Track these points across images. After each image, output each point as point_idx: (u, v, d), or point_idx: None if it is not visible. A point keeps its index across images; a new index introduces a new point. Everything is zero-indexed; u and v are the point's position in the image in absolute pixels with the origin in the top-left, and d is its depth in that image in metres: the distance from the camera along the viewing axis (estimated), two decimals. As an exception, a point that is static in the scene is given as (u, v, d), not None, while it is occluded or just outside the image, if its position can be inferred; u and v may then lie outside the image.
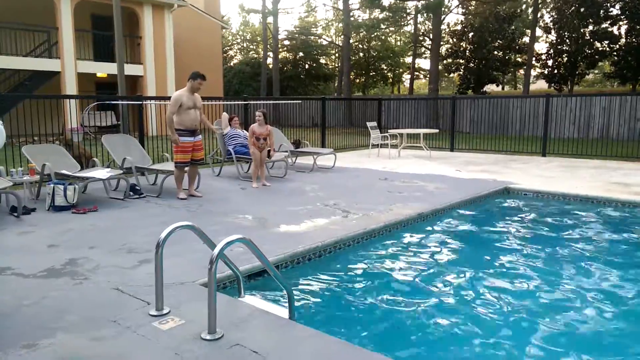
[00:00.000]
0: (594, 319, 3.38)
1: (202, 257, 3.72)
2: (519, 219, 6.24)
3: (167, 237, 2.87)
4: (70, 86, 17.59)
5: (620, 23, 26.05)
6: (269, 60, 32.77)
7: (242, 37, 47.77)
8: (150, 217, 5.56)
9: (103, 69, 18.79)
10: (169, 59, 20.79)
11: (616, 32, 26.43)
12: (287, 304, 3.03)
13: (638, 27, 24.58)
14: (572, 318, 3.39)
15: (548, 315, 3.44)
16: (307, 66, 39.16)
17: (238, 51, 47.13)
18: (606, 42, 26.53)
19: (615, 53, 26.39)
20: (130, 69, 18.30)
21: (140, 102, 9.23)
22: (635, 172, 9.29)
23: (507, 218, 6.27)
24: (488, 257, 4.69)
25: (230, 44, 45.97)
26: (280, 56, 35.60)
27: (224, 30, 33.27)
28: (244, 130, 9.07)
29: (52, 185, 5.84)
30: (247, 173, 8.81)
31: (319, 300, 3.72)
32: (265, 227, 5.16)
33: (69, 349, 2.55)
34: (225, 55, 41.06)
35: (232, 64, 42.68)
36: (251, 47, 46.21)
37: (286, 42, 38.68)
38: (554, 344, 3.03)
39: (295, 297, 3.60)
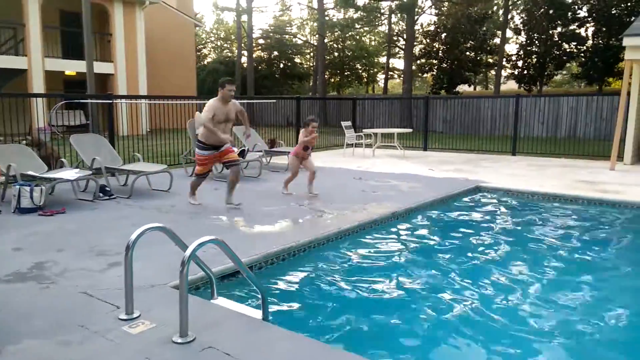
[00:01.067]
0: (558, 314, 3.47)
1: (174, 259, 3.65)
2: (490, 216, 6.36)
3: (138, 239, 2.82)
4: (38, 84, 17.11)
5: (587, 25, 26.82)
6: (244, 59, 32.57)
7: (216, 36, 47.34)
8: (121, 219, 5.45)
9: (72, 67, 18.33)
10: (140, 57, 20.43)
11: (583, 34, 27.20)
12: (260, 305, 3.02)
13: (604, 29, 25.36)
14: (540, 313, 3.47)
15: (517, 310, 3.51)
16: (281, 65, 39.06)
17: (212, 49, 46.69)
18: (574, 43, 27.27)
19: (582, 54, 27.16)
20: (100, 67, 17.91)
21: (111, 101, 9.04)
22: (601, 170, 9.58)
23: (479, 216, 6.38)
24: (460, 255, 4.76)
25: (203, 42, 45.49)
26: (254, 55, 35.39)
27: (197, 28, 32.89)
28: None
29: (17, 186, 5.67)
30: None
31: (293, 300, 3.72)
32: (239, 227, 5.13)
33: (35, 355, 2.48)
34: (199, 53, 40.58)
35: (205, 62, 42.23)
36: (225, 45, 45.83)
37: (261, 41, 38.50)
38: (523, 340, 3.10)
39: (270, 297, 3.59)
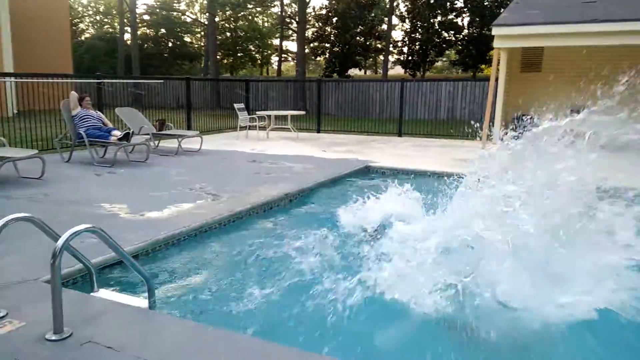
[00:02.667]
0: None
1: (47, 252, 3.36)
2: (377, 193, 6.69)
3: (0, 232, 2.53)
4: None
5: (464, 15, 29.03)
6: (127, 36, 30.43)
7: (95, 9, 43.52)
8: (-17, 211, 4.86)
9: None
10: (4, 30, 18.10)
11: (460, 24, 29.42)
12: (147, 295, 2.89)
13: (477, 19, 27.62)
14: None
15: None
16: (170, 44, 37.17)
17: (90, 24, 42.89)
18: (452, 32, 29.39)
19: (459, 42, 29.38)
20: (-47, 40, 15.64)
21: (-34, 79, 7.95)
22: (475, 149, 10.50)
23: (366, 193, 6.68)
24: (354, 232, 4.95)
25: (80, 15, 41.60)
26: (139, 32, 33.20)
27: (71, 0, 29.97)
28: (97, 111, 8.33)
29: None
30: (103, 158, 8.13)
31: (183, 287, 3.61)
32: (124, 215, 4.84)
33: None
34: (75, 28, 37.10)
35: (83, 38, 38.77)
36: (105, 20, 42.36)
37: (146, 17, 36.19)
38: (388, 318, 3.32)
39: (160, 285, 3.46)
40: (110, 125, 8.22)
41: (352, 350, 2.85)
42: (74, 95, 7.87)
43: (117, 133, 7.68)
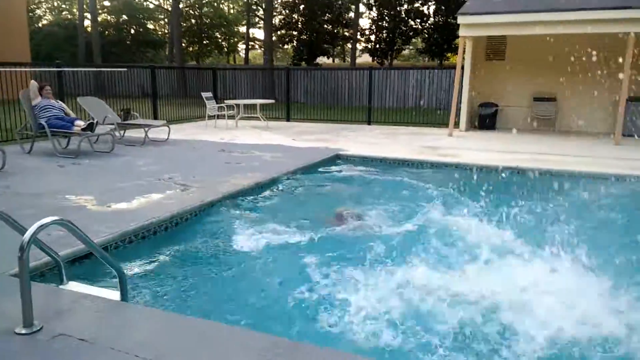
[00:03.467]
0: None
1: (13, 246, 3.26)
2: (348, 181, 6.76)
3: (-38, 226, 2.45)
4: None
5: (430, 3, 29.27)
6: (87, 23, 29.40)
7: (52, -5, 41.84)
8: (-60, 205, 4.66)
9: None
10: (-46, 15, 17.25)
11: (426, 12, 29.66)
12: (118, 286, 2.85)
13: (443, 7, 27.90)
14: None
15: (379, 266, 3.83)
16: (132, 31, 36.12)
17: (47, 10, 41.19)
18: (418, 20, 29.62)
19: (425, 30, 29.65)
20: None
21: None
22: (442, 136, 10.70)
23: (337, 181, 6.74)
24: (321, 221, 5.00)
25: (37, 1, 39.90)
26: (100, 18, 32.14)
27: (27, -16, 28.67)
28: (59, 101, 8.07)
29: None
30: (66, 149, 7.90)
31: (155, 277, 3.58)
32: (91, 206, 4.73)
33: None
34: (31, 14, 35.57)
35: (41, 24, 37.24)
36: (64, 6, 40.77)
37: (106, 3, 35.04)
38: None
39: (132, 277, 3.42)
40: (73, 115, 7.98)
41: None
42: (33, 84, 7.60)
43: (81, 123, 7.46)
